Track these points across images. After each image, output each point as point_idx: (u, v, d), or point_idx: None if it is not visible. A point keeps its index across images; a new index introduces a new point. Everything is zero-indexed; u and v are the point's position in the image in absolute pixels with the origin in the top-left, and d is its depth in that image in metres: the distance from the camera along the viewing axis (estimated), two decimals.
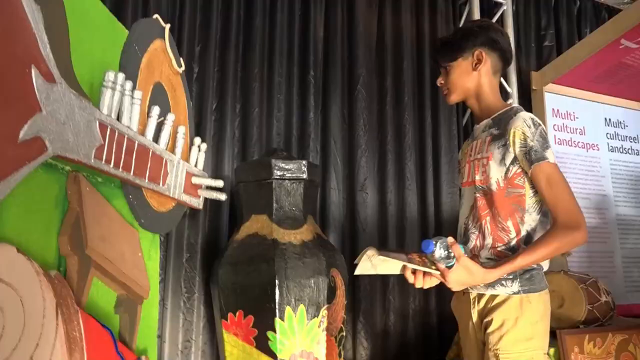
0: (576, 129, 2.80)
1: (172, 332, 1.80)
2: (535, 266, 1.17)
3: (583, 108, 2.85)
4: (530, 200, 1.17)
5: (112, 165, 1.10)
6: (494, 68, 1.29)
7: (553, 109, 2.73)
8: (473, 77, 1.28)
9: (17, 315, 0.81)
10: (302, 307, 1.43)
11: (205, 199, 1.66)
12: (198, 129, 1.90)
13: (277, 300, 1.41)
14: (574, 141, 2.78)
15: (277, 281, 1.41)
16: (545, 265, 1.21)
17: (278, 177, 1.56)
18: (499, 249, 1.19)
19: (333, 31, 2.27)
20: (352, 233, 2.12)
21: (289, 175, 1.57)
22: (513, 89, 2.60)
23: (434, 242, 1.06)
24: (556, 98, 2.75)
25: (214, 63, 2.03)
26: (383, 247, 1.23)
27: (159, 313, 1.65)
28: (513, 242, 1.17)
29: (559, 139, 2.72)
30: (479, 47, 1.27)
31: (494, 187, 1.19)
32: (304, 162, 1.61)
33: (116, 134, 1.12)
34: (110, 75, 1.09)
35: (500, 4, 2.67)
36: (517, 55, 2.67)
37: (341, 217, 2.11)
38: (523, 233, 1.17)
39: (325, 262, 1.49)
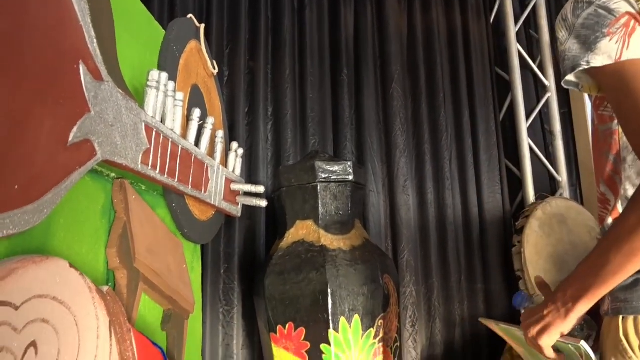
0: None
1: (212, 347, 1.72)
2: None
3: None
4: (625, 139, 0.70)
5: (157, 171, 1.03)
6: None
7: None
8: None
9: (72, 337, 0.73)
10: (357, 318, 1.34)
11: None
12: (231, 134, 1.83)
13: (330, 311, 1.31)
14: None
15: (329, 290, 1.32)
16: None
17: (323, 180, 1.48)
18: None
19: (363, 29, 2.19)
20: (393, 236, 2.02)
21: (335, 177, 1.48)
22: (550, 82, 2.49)
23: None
24: None
25: (244, 66, 1.96)
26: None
27: None
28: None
29: None
30: None
31: (589, 127, 0.78)
32: (349, 163, 1.52)
33: (161, 137, 1.05)
34: (154, 75, 1.01)
35: None
36: (553, 48, 2.57)
37: (382, 220, 2.01)
38: (621, 207, 0.71)
39: (378, 269, 1.40)
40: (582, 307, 0.74)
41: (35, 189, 0.66)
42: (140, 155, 0.95)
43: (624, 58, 0.66)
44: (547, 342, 0.79)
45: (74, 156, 0.74)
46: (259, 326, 1.58)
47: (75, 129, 0.74)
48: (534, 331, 0.80)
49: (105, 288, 0.85)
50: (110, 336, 0.83)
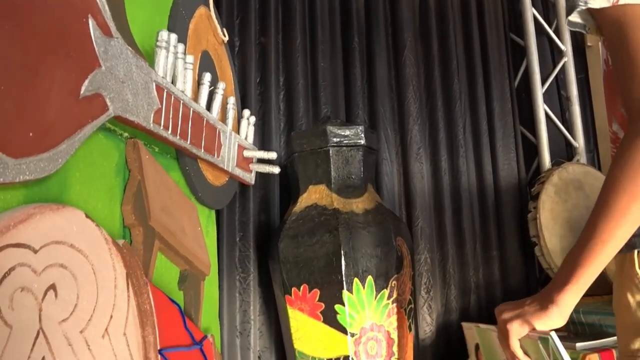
0: None
1: (230, 313, 1.75)
2: None
3: None
4: None
5: (170, 131, 1.04)
6: None
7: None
8: None
9: (90, 285, 0.75)
10: (370, 279, 1.36)
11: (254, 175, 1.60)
12: (243, 104, 1.84)
13: (343, 272, 1.33)
14: None
15: (342, 251, 1.33)
16: None
17: (335, 144, 1.48)
18: None
19: None
20: (407, 204, 2.02)
21: (346, 141, 1.49)
22: (567, 46, 2.43)
23: None
24: None
25: (255, 36, 1.96)
26: None
27: None
28: None
29: None
30: None
31: (602, 68, 0.73)
32: (360, 127, 1.52)
33: (172, 98, 1.06)
34: (164, 35, 1.02)
35: None
36: None
37: (395, 188, 2.01)
38: None
39: (391, 231, 1.41)
40: (568, 298, 0.69)
41: (50, 138, 0.68)
42: (152, 115, 0.97)
43: (622, 2, 0.63)
44: (516, 328, 0.74)
45: (86, 109, 0.76)
46: (274, 290, 1.61)
47: (86, 82, 0.76)
48: (507, 315, 0.76)
49: (121, 241, 0.88)
50: (128, 288, 0.86)
